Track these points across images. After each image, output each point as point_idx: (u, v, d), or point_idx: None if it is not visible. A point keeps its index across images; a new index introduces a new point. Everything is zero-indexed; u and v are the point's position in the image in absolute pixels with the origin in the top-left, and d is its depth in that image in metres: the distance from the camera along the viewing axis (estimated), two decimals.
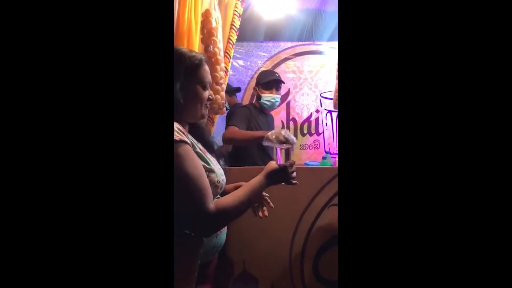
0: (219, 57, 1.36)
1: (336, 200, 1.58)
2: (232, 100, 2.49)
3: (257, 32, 2.74)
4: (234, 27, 1.47)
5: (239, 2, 1.47)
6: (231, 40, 1.47)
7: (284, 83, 1.82)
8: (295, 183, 0.91)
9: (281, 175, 0.87)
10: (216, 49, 1.34)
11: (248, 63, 2.76)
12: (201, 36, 1.35)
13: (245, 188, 0.81)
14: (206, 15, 1.33)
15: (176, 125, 0.75)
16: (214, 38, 1.32)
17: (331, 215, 1.59)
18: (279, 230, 1.56)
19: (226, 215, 0.76)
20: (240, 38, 2.75)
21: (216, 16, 1.34)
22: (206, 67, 0.85)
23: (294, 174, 0.90)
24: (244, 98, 2.76)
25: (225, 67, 1.43)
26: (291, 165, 0.89)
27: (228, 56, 1.47)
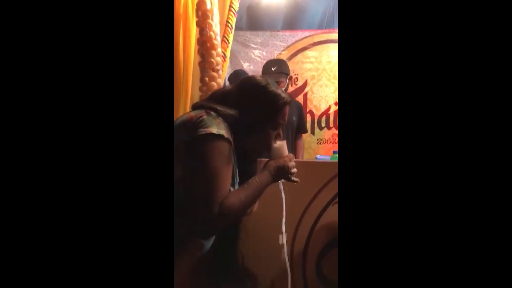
0: (215, 41, 1.30)
1: None
2: None
3: (275, 21, 2.64)
4: (233, 10, 1.40)
5: None
6: (230, 24, 1.41)
7: (287, 74, 1.72)
8: (296, 181, 0.88)
9: (281, 172, 0.84)
10: (211, 33, 1.29)
11: (265, 53, 2.68)
12: (196, 19, 1.30)
13: (252, 187, 0.79)
14: None
15: (226, 125, 0.76)
16: (209, 20, 1.27)
17: (336, 214, 1.48)
18: (280, 225, 1.49)
19: (232, 216, 0.75)
20: (257, 27, 2.69)
21: None
22: (286, 110, 0.85)
23: (294, 170, 0.86)
24: None
25: (222, 52, 1.37)
26: (290, 160, 0.86)
27: (226, 40, 1.40)
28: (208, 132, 0.71)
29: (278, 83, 1.66)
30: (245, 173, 0.85)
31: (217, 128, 0.73)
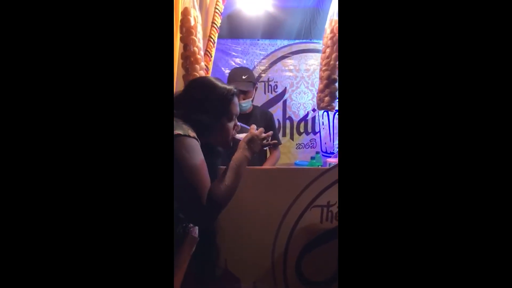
0: (198, 56, 1.36)
1: (318, 202, 1.56)
2: None
3: (255, 30, 2.72)
4: (215, 25, 1.46)
5: (220, 0, 1.46)
6: (212, 39, 1.47)
7: (255, 84, 1.67)
8: (272, 143, 0.95)
9: (253, 144, 0.89)
10: (195, 48, 1.34)
11: (245, 61, 2.75)
12: (180, 35, 1.36)
13: (232, 169, 0.83)
14: (185, 14, 1.33)
15: (188, 126, 0.81)
16: (193, 37, 1.33)
17: (313, 217, 1.57)
18: (261, 230, 1.55)
19: (222, 202, 0.79)
20: (237, 36, 2.76)
21: (195, 15, 1.35)
22: (236, 100, 0.90)
23: (265, 135, 0.92)
24: None
25: (205, 65, 1.43)
26: (253, 129, 0.92)
27: (209, 54, 1.47)
28: (176, 133, 0.76)
29: (246, 92, 1.62)
30: (212, 165, 0.89)
31: (182, 129, 0.78)
